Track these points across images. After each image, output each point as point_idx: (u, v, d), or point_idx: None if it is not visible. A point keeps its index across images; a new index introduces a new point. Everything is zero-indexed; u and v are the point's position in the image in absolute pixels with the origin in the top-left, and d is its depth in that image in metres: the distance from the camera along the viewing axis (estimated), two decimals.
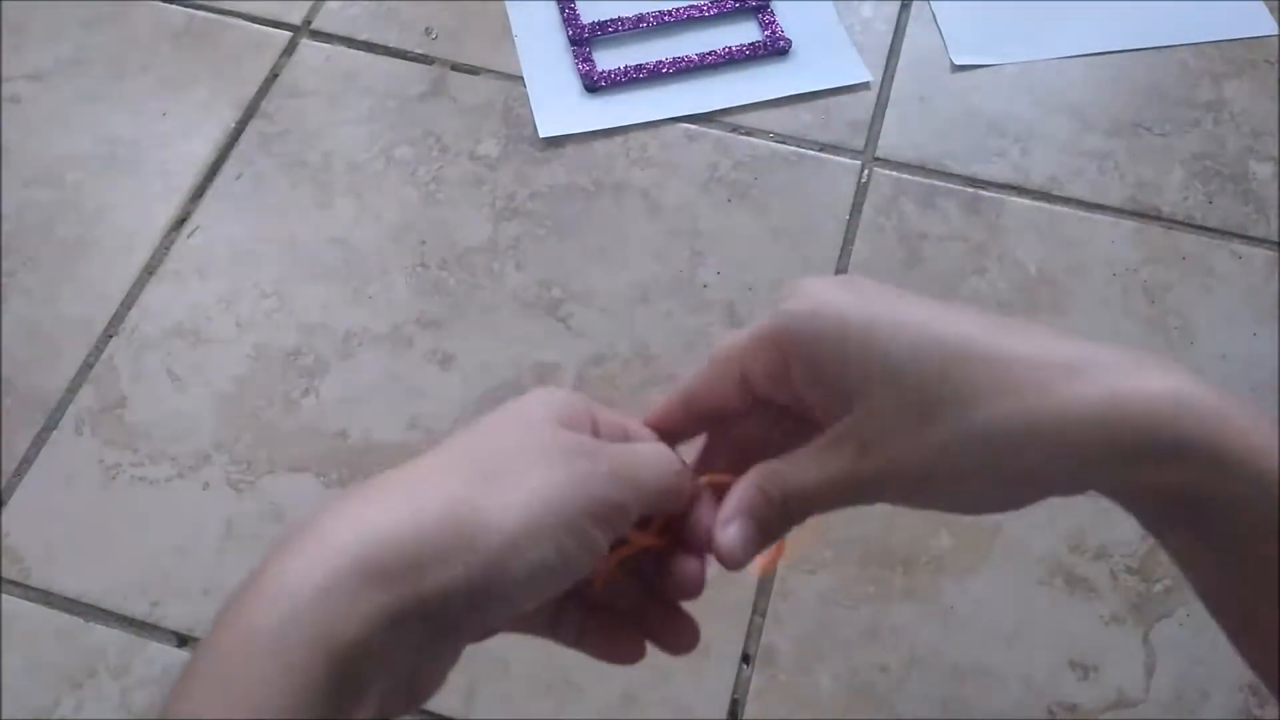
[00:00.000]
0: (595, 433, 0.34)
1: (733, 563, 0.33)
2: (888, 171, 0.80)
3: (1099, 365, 0.29)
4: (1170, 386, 0.29)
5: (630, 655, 0.36)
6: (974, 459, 0.30)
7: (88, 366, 0.73)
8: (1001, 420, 0.29)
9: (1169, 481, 0.29)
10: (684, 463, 0.35)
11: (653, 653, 0.36)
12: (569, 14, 0.87)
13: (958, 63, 0.85)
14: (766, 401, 0.35)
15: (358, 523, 0.29)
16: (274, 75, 0.86)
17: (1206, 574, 0.32)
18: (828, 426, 0.33)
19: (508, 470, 0.30)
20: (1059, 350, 0.30)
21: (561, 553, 0.30)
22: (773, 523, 0.33)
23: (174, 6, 0.89)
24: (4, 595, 0.65)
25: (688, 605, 0.36)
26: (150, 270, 0.77)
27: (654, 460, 0.33)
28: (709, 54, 0.85)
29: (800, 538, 0.35)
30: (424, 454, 0.32)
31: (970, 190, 0.79)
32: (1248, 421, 0.29)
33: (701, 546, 0.34)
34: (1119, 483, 0.30)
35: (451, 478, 0.30)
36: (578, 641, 0.36)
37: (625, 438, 0.35)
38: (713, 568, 0.34)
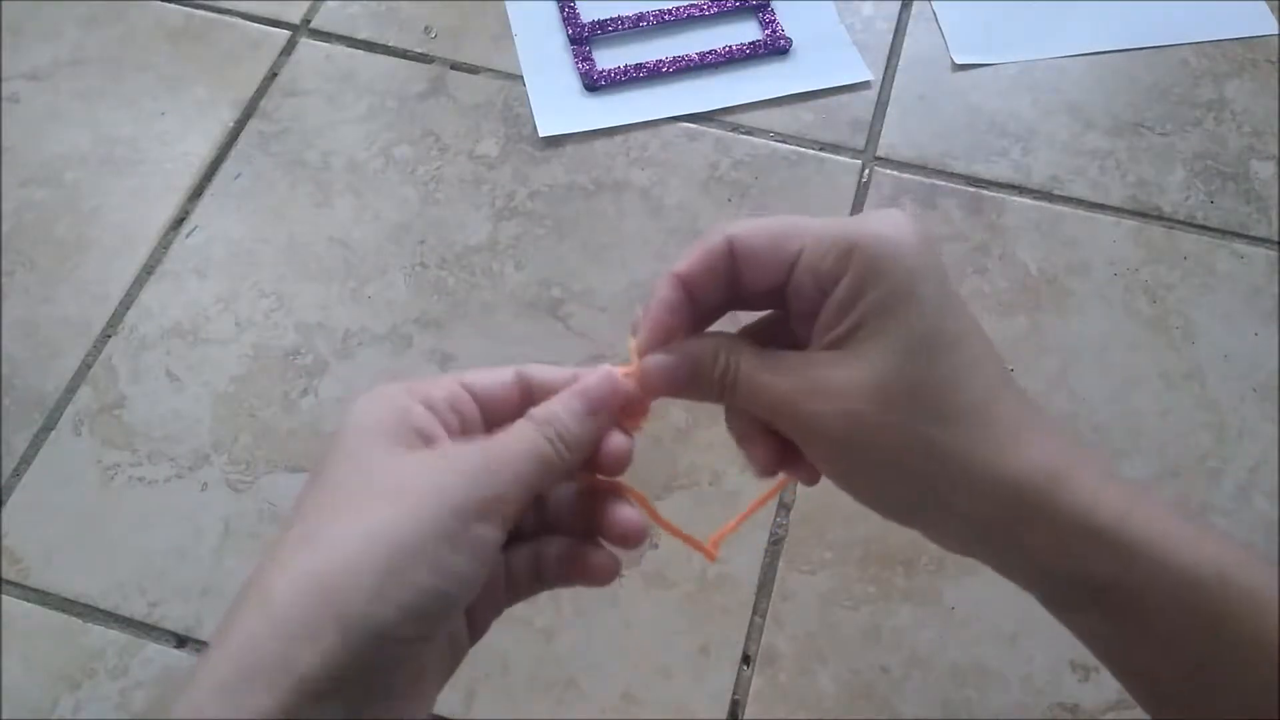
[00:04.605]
0: (458, 409, 0.34)
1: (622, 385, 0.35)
2: (888, 171, 0.80)
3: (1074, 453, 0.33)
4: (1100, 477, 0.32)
5: (607, 570, 0.36)
6: (927, 423, 0.32)
7: (86, 366, 0.73)
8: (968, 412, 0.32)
9: (1084, 567, 0.33)
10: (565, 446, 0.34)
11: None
12: (569, 13, 0.87)
13: (959, 62, 0.85)
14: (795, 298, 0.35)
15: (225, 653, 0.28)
16: (273, 74, 0.85)
17: (1109, 647, 0.36)
18: (811, 342, 0.34)
19: (345, 522, 0.29)
20: (1032, 413, 0.34)
21: (441, 570, 0.29)
22: (706, 381, 0.34)
23: (172, 5, 0.89)
24: (2, 595, 0.65)
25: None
26: (149, 270, 0.77)
27: (518, 443, 0.32)
28: (709, 53, 0.85)
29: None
30: (286, 528, 0.31)
31: (971, 189, 0.79)
32: (1156, 509, 0.32)
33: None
34: (1036, 547, 0.34)
35: (301, 554, 0.29)
36: (555, 579, 0.36)
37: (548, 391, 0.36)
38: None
